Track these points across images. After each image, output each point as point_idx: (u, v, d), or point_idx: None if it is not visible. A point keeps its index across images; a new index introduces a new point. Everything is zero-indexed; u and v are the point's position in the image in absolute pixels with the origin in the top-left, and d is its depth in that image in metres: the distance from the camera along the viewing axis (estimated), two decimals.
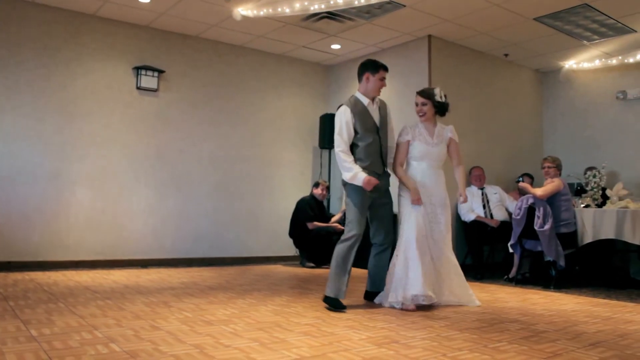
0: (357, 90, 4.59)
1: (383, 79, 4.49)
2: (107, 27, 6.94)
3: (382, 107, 4.61)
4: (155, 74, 7.15)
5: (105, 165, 6.86)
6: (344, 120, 4.38)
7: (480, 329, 3.61)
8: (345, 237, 4.34)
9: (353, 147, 4.46)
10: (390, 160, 4.68)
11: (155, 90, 7.18)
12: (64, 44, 6.67)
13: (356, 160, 4.40)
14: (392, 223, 4.68)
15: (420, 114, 4.70)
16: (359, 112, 4.42)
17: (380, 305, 4.46)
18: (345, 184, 4.45)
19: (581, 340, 3.32)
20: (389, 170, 4.70)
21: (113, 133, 6.92)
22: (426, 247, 4.50)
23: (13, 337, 3.00)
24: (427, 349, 3.02)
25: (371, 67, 4.50)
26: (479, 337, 3.36)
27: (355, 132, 4.41)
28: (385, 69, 4.53)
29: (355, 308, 4.33)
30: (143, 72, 7.06)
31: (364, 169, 4.37)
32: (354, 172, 4.29)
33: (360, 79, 4.55)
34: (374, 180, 4.30)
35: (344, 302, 4.27)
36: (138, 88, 7.08)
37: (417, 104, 4.72)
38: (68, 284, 5.17)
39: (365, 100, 4.48)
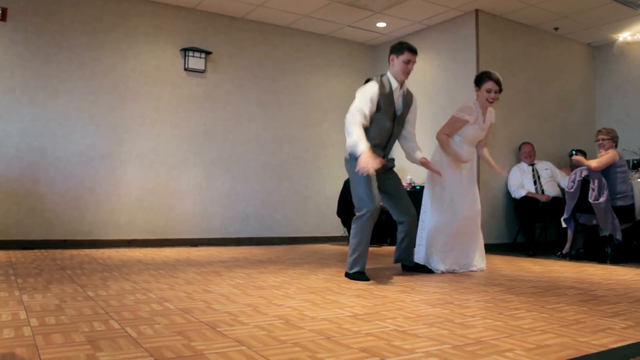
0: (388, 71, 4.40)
1: (409, 61, 4.21)
2: (155, 10, 7.02)
3: (408, 97, 4.40)
4: (203, 55, 7.20)
5: (155, 146, 6.96)
6: (369, 96, 4.15)
7: (537, 293, 3.52)
8: (359, 215, 4.12)
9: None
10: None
11: (202, 72, 7.25)
12: (113, 27, 6.77)
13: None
14: (407, 197, 4.48)
15: (491, 101, 4.71)
16: (385, 94, 4.23)
17: (429, 276, 4.42)
18: (347, 161, 4.25)
19: None
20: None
21: (162, 114, 7.01)
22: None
23: (71, 297, 3.08)
24: (483, 308, 2.96)
25: (396, 48, 4.29)
26: (535, 299, 3.27)
27: (378, 109, 4.21)
28: (411, 50, 4.23)
29: (406, 275, 4.29)
30: (190, 53, 7.12)
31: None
32: (357, 139, 3.93)
33: (388, 61, 4.36)
34: (373, 161, 3.82)
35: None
36: (186, 69, 7.14)
37: (491, 91, 4.66)
38: (121, 258, 5.28)
39: (394, 84, 4.27)
